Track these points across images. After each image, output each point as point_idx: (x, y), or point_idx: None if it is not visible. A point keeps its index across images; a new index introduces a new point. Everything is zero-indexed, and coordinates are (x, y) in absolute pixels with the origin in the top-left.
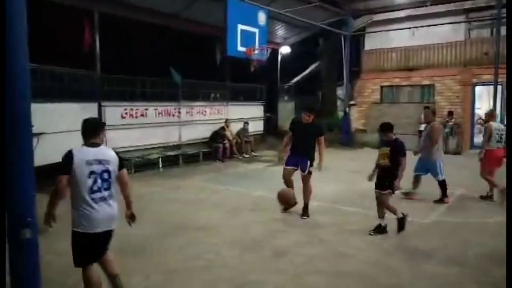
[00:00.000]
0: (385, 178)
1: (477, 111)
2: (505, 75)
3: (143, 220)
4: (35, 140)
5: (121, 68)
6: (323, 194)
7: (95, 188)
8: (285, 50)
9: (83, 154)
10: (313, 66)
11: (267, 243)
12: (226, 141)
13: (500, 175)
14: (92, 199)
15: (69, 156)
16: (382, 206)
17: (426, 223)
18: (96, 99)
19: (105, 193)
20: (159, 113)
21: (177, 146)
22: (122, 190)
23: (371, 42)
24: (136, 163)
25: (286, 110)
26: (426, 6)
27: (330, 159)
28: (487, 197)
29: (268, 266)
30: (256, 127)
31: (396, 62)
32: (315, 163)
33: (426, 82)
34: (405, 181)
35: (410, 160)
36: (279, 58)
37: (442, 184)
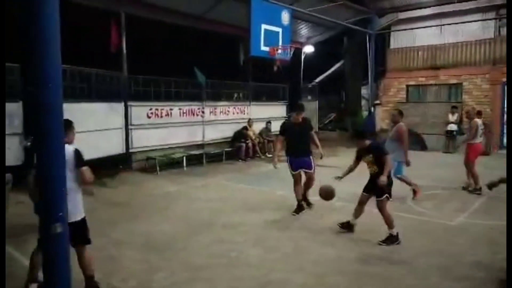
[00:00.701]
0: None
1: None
2: None
3: (169, 218)
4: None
5: (146, 68)
6: (347, 194)
7: None
8: (308, 49)
9: None
10: (337, 66)
11: (290, 242)
12: (248, 141)
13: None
14: None
15: None
16: (361, 208)
17: (452, 225)
18: (122, 99)
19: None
20: (183, 113)
21: (201, 146)
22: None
23: (397, 40)
24: (161, 162)
25: (310, 109)
26: (454, 3)
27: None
28: (473, 190)
29: (292, 265)
30: (279, 126)
31: (422, 60)
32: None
33: (454, 81)
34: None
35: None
36: (303, 57)
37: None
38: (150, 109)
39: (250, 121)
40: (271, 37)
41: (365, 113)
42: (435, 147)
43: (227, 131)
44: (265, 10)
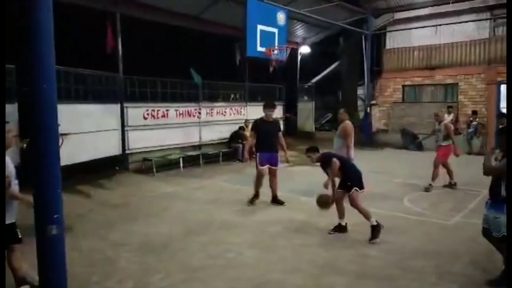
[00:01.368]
0: (345, 180)
1: (503, 110)
2: None
3: (166, 219)
4: (60, 140)
5: (142, 69)
6: None
7: None
8: (304, 50)
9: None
10: (333, 66)
11: (287, 243)
12: (245, 141)
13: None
14: None
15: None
16: (340, 206)
17: (448, 225)
18: (118, 100)
19: None
20: (180, 114)
21: (198, 147)
22: None
23: (392, 40)
24: (158, 163)
25: (306, 110)
26: (449, 3)
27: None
28: (451, 185)
29: (288, 266)
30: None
31: (418, 60)
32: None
33: (449, 81)
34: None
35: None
36: (299, 58)
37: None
38: (147, 110)
39: (246, 122)
40: (267, 38)
41: (361, 114)
42: (431, 147)
43: (224, 132)
44: (261, 10)
